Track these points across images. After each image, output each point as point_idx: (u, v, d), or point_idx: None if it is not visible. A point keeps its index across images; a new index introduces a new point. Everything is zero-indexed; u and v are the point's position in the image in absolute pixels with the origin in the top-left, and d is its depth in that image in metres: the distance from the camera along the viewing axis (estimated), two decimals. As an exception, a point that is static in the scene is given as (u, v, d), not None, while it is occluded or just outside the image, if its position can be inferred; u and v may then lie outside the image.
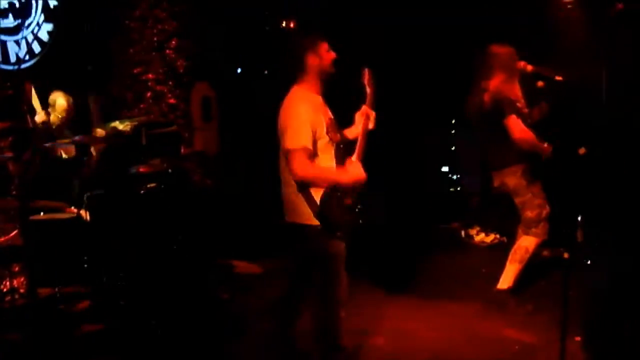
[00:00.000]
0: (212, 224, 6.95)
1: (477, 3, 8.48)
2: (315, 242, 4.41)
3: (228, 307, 6.12)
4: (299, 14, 9.16)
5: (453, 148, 9.57)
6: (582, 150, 5.46)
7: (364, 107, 4.70)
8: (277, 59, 4.56)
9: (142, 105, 8.12)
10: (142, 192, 6.11)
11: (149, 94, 8.13)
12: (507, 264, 5.99)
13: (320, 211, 4.33)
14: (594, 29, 7.68)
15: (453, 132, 9.53)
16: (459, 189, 9.40)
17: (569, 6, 7.97)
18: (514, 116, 5.70)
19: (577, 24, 7.94)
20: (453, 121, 9.46)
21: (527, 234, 5.93)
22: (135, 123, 6.68)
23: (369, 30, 8.88)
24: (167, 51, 8.23)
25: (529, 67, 5.81)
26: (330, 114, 4.53)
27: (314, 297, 4.58)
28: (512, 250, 6.00)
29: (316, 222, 4.36)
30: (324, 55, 4.44)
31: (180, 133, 7.89)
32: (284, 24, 9.56)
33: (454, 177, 9.47)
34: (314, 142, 4.31)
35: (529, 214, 5.89)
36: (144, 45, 8.14)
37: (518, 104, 5.84)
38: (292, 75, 4.51)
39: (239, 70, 9.36)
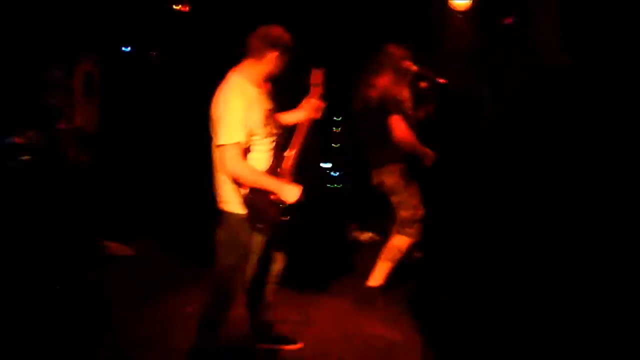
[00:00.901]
0: (85, 202, 6.80)
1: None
2: (235, 230, 4.41)
3: (95, 287, 5.99)
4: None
5: (336, 145, 9.61)
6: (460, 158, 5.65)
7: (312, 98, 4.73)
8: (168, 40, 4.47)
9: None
10: (14, 163, 5.92)
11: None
12: (379, 261, 6.08)
13: (246, 201, 4.32)
14: (481, 38, 7.91)
15: (339, 129, 9.57)
16: (337, 185, 9.45)
17: (459, 15, 8.15)
18: (397, 116, 5.78)
19: (465, 32, 8.15)
20: (340, 118, 9.51)
21: (400, 233, 6.01)
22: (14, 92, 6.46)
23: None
24: (55, 22, 7.99)
25: (414, 68, 5.90)
26: (269, 105, 4.47)
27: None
28: (385, 249, 6.08)
29: (241, 211, 4.36)
30: (283, 64, 4.43)
31: (60, 107, 7.66)
32: (177, 6, 9.42)
33: (335, 174, 9.51)
34: (250, 136, 4.28)
35: (404, 214, 5.97)
36: (32, 14, 7.87)
37: (404, 105, 5.92)
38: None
39: (126, 49, 9.17)
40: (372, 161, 6.12)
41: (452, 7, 8.22)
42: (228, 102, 4.27)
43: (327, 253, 7.61)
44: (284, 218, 4.43)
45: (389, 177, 5.97)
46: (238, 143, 4.22)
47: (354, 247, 7.98)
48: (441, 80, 5.92)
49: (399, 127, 5.78)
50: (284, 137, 4.54)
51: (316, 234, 8.40)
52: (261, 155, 4.41)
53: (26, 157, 6.04)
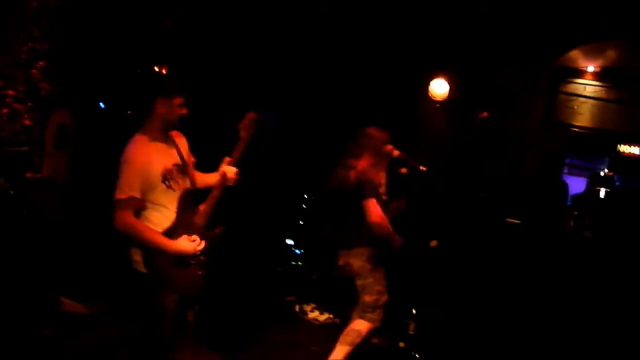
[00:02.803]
0: (45, 255, 6.67)
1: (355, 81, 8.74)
2: (141, 290, 4.41)
3: (47, 344, 5.83)
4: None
5: (301, 222, 9.60)
6: (433, 243, 5.65)
7: (227, 160, 4.87)
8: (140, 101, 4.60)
9: (-5, 121, 7.77)
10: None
11: (5, 110, 7.78)
12: (337, 344, 5.99)
13: (144, 260, 4.34)
14: (457, 128, 8.07)
15: (304, 206, 9.58)
16: (299, 263, 9.40)
17: (437, 105, 8.31)
18: (374, 200, 5.77)
19: (441, 121, 8.31)
20: (305, 195, 9.53)
21: (362, 317, 5.95)
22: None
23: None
24: (33, 71, 7.94)
25: (396, 152, 5.96)
26: (177, 159, 4.56)
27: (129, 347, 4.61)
28: (344, 332, 6.01)
29: (144, 270, 4.36)
30: (174, 108, 4.48)
31: (30, 156, 7.59)
32: (156, 68, 9.46)
33: (297, 251, 9.48)
34: (149, 190, 4.34)
35: (367, 298, 5.93)
36: (10, 59, 7.82)
37: (380, 189, 5.94)
38: (140, 118, 4.55)
39: (102, 105, 9.14)
40: (341, 242, 6.10)
41: (431, 97, 8.39)
42: (127, 157, 4.35)
43: (281, 332, 7.52)
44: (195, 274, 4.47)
45: (356, 260, 5.94)
46: (130, 197, 4.26)
47: (310, 327, 7.89)
48: (422, 168, 5.96)
49: (375, 211, 5.76)
50: (194, 192, 4.65)
51: (270, 311, 8.35)
52: (162, 211, 4.44)
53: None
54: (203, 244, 4.49)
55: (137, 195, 4.27)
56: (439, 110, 8.37)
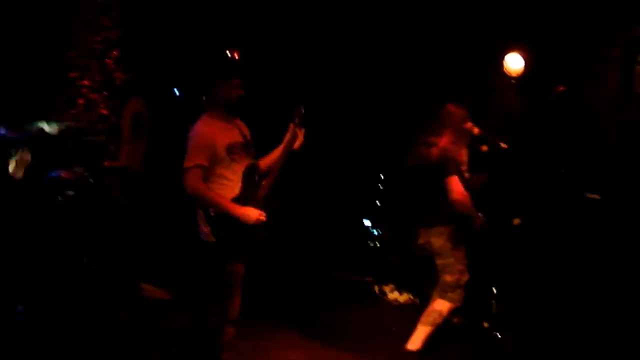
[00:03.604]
0: (126, 242, 6.77)
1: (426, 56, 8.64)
2: (210, 259, 4.68)
3: (125, 329, 5.91)
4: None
5: (378, 202, 9.54)
6: (516, 221, 5.52)
7: (292, 127, 4.92)
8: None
9: (72, 111, 7.89)
10: (59, 197, 5.93)
11: (81, 101, 7.93)
12: (418, 325, 5.90)
13: (212, 230, 4.61)
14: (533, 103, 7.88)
15: (380, 186, 9.51)
16: (378, 244, 9.34)
17: (512, 81, 8.12)
18: (456, 177, 5.66)
19: (516, 97, 8.12)
20: (382, 175, 9.46)
21: (442, 297, 5.83)
22: (63, 127, 6.48)
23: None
24: (107, 60, 8.06)
25: (476, 130, 5.83)
26: (241, 138, 4.82)
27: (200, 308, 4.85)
28: (425, 312, 5.90)
29: (212, 239, 4.62)
30: (232, 89, 4.75)
31: (107, 145, 7.70)
32: (228, 54, 9.47)
33: (375, 231, 9.41)
34: (215, 162, 4.64)
35: (448, 278, 5.82)
36: (85, 50, 7.94)
37: (462, 167, 5.83)
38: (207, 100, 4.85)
39: (176, 92, 9.21)
40: (421, 220, 6.00)
41: (506, 73, 8.20)
42: (194, 132, 4.70)
43: (361, 312, 7.48)
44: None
45: (437, 239, 5.84)
46: (198, 164, 4.57)
47: (390, 307, 7.84)
48: (503, 145, 5.83)
49: (457, 188, 5.65)
50: (257, 168, 4.84)
51: (347, 289, 8.33)
52: (229, 183, 4.69)
53: (70, 193, 6.05)
54: (264, 215, 4.66)
55: (204, 162, 4.58)
56: (513, 85, 8.18)
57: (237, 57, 9.48)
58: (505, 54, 8.23)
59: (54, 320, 5.47)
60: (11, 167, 5.86)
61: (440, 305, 5.86)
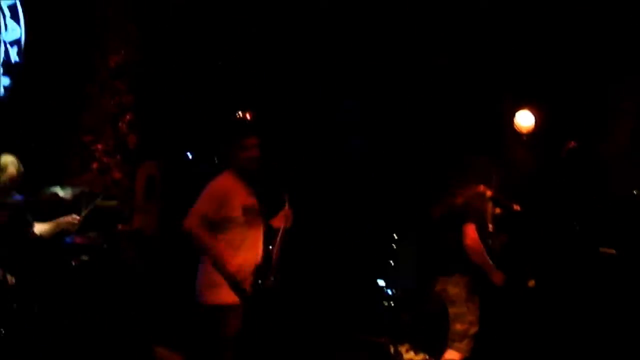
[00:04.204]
0: (139, 305, 6.75)
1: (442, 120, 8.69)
2: (205, 320, 4.81)
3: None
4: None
5: (391, 262, 9.51)
6: (531, 283, 5.51)
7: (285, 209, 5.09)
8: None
9: (86, 176, 7.91)
10: (73, 263, 5.95)
11: (95, 165, 7.96)
12: None
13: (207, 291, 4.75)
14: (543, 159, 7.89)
15: (394, 246, 9.50)
16: (392, 304, 9.28)
17: (523, 138, 8.15)
18: (473, 225, 5.75)
19: (527, 153, 8.14)
20: (395, 235, 9.46)
21: (451, 347, 5.89)
22: (77, 192, 6.50)
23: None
24: (121, 124, 8.11)
25: (489, 192, 5.89)
26: (255, 202, 4.92)
27: None
28: None
29: (204, 300, 4.77)
30: (248, 149, 4.88)
31: (120, 210, 7.70)
32: (240, 114, 9.54)
33: (389, 291, 9.36)
34: (226, 222, 4.73)
35: (458, 326, 5.86)
36: (99, 114, 8.00)
37: (486, 220, 5.87)
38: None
39: (189, 155, 9.25)
40: (440, 268, 6.06)
41: (517, 130, 8.24)
42: (208, 187, 4.87)
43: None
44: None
45: (454, 287, 5.90)
46: (204, 212, 4.69)
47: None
48: (516, 207, 5.90)
49: (472, 235, 5.74)
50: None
51: (362, 350, 8.25)
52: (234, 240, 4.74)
53: (85, 258, 6.07)
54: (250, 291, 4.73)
55: (211, 214, 4.69)
56: (524, 142, 8.20)
57: (249, 118, 9.54)
58: (516, 111, 8.28)
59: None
60: (41, 228, 5.87)
61: (450, 355, 5.90)
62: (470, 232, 5.75)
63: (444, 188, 6.10)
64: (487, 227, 5.93)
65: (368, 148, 9.42)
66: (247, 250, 4.83)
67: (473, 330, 5.85)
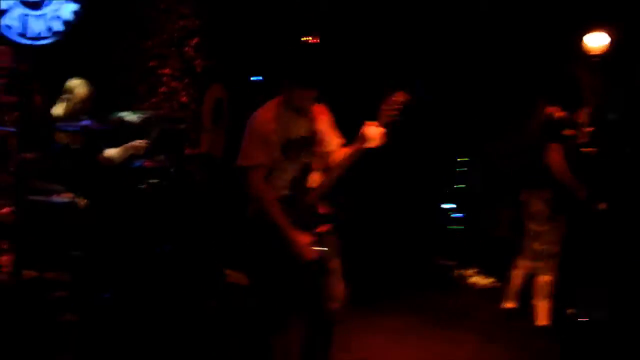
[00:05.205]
0: (210, 229, 6.82)
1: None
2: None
3: (213, 315, 5.97)
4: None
5: (462, 185, 9.45)
6: (602, 206, 5.41)
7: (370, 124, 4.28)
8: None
9: (153, 100, 7.97)
10: (143, 186, 6.02)
11: (162, 89, 7.99)
12: (538, 302, 5.98)
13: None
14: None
15: (465, 169, 9.42)
16: (460, 227, 9.25)
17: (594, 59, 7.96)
18: (557, 145, 5.70)
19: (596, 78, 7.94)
20: (467, 158, 9.38)
21: (540, 272, 5.94)
22: (145, 116, 6.55)
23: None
24: (187, 48, 8.11)
25: (557, 114, 5.77)
26: (305, 132, 4.33)
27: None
28: (537, 288, 5.98)
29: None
30: (305, 99, 4.27)
31: (188, 133, 7.76)
32: (306, 38, 9.48)
33: (457, 215, 9.32)
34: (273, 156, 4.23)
35: (537, 246, 5.92)
36: (164, 39, 8.01)
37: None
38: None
39: (259, 78, 9.24)
40: (525, 181, 6.08)
41: (586, 51, 8.05)
42: (252, 123, 4.31)
43: (441, 294, 7.43)
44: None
45: (537, 202, 5.89)
46: (257, 164, 4.22)
47: (472, 292, 7.75)
48: (588, 129, 5.80)
49: (553, 155, 5.71)
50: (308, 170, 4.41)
51: (429, 273, 8.26)
52: (281, 179, 4.31)
53: (154, 181, 6.13)
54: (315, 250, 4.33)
55: (265, 161, 4.22)
56: (594, 65, 8.00)
57: (317, 41, 9.47)
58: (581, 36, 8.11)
59: (146, 310, 5.53)
60: (111, 153, 5.95)
61: (546, 277, 5.93)
62: (552, 151, 5.71)
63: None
64: (575, 139, 5.86)
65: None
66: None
67: (554, 250, 5.84)
